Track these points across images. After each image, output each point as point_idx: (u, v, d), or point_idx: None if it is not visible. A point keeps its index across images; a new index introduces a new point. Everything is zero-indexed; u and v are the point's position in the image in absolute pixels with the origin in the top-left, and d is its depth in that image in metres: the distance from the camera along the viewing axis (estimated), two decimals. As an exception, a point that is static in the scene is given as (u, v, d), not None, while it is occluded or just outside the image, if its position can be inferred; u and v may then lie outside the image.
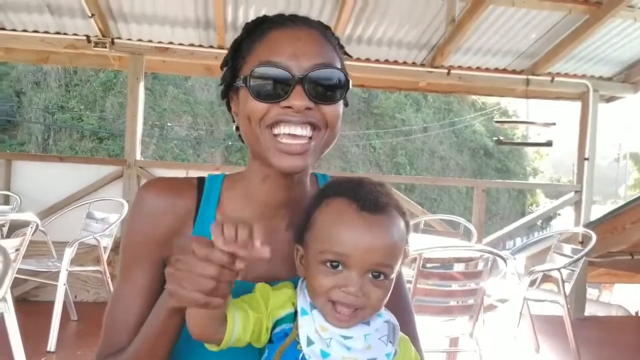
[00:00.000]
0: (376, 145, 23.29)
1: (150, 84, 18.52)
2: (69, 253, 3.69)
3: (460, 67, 5.44)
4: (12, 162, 4.94)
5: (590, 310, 5.69)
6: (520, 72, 5.55)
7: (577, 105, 5.69)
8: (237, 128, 0.99)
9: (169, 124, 19.19)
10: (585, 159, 5.49)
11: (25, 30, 4.80)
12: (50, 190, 4.83)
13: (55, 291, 3.67)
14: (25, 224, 3.17)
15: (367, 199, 0.85)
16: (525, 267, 6.07)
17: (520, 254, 5.67)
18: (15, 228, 3.93)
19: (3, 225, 4.22)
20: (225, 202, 1.01)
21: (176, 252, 0.98)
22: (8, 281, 2.79)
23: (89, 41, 4.76)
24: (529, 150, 28.31)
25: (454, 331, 2.84)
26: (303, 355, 0.83)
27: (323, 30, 0.97)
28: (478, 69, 5.52)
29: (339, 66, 0.95)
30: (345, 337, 0.83)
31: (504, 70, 5.56)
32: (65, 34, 4.81)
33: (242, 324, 0.82)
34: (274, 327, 0.86)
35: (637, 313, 7.21)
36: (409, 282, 2.60)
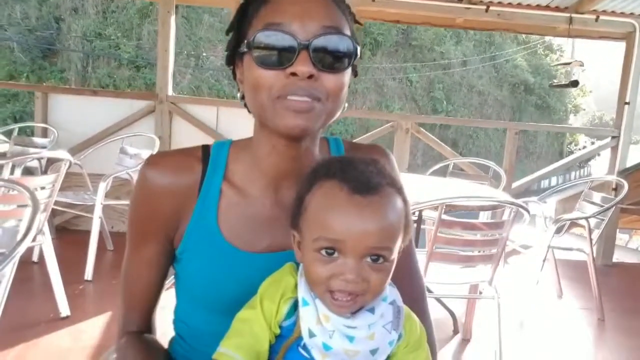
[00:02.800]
0: (413, 79, 22.77)
1: (185, 12, 18.33)
2: (102, 188, 3.81)
3: (500, 4, 5.20)
4: (49, 95, 5.05)
5: (618, 256, 5.63)
6: (564, 10, 5.27)
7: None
8: (242, 97, 0.96)
9: (205, 54, 19.10)
10: (626, 103, 5.28)
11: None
12: (85, 124, 4.93)
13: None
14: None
15: (359, 180, 0.81)
16: (556, 210, 6.00)
17: (551, 198, 5.60)
18: (53, 161, 4.07)
19: (41, 158, 4.38)
20: (231, 174, 1.00)
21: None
22: (40, 218, 2.91)
23: (120, -27, 4.72)
24: (572, 86, 27.30)
25: (473, 278, 2.86)
26: (305, 344, 0.81)
27: None
28: (519, 5, 5.26)
29: (348, 33, 0.91)
30: (349, 327, 0.81)
31: (546, 7, 5.28)
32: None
33: None
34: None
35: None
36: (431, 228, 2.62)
